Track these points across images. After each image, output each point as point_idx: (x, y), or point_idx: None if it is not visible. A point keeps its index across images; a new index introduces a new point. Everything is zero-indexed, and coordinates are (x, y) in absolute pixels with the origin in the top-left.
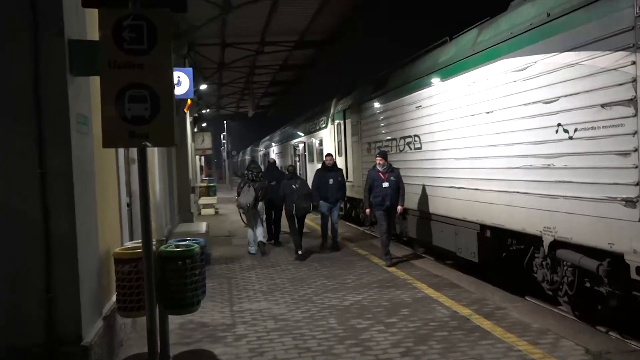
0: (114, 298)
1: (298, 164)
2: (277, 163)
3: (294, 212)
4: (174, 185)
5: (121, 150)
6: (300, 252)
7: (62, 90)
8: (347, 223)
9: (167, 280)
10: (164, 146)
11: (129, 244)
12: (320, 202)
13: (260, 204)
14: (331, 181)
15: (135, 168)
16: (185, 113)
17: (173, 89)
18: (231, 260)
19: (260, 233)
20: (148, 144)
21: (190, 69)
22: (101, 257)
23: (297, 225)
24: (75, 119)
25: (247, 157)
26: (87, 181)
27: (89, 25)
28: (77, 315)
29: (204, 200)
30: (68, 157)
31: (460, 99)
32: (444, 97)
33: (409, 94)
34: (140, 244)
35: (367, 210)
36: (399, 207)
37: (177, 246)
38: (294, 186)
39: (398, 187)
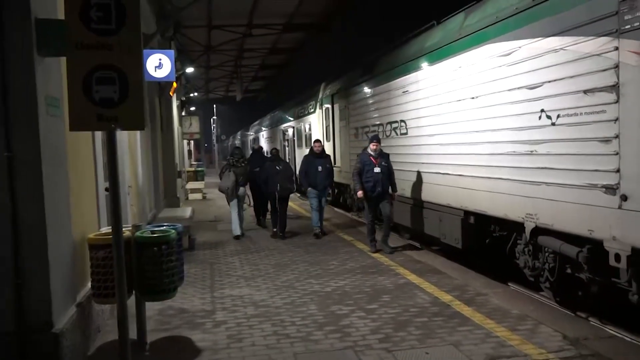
0: (89, 284)
1: (287, 149)
2: (267, 148)
3: (277, 192)
4: (159, 169)
5: (98, 134)
6: (275, 230)
7: (29, 72)
8: (335, 209)
9: (143, 266)
10: (134, 129)
11: (103, 230)
12: (309, 189)
13: (242, 190)
14: (320, 168)
15: None
16: (171, 96)
17: (143, 70)
18: (215, 245)
19: (236, 222)
20: (116, 127)
21: (172, 51)
22: (75, 243)
23: (279, 207)
24: (44, 101)
25: (237, 142)
26: (58, 165)
27: (59, 4)
28: (47, 302)
29: (191, 184)
30: (36, 140)
31: (446, 84)
32: (430, 82)
33: (395, 78)
34: None
35: (360, 193)
36: (395, 194)
37: (153, 232)
38: (277, 168)
39: (389, 173)
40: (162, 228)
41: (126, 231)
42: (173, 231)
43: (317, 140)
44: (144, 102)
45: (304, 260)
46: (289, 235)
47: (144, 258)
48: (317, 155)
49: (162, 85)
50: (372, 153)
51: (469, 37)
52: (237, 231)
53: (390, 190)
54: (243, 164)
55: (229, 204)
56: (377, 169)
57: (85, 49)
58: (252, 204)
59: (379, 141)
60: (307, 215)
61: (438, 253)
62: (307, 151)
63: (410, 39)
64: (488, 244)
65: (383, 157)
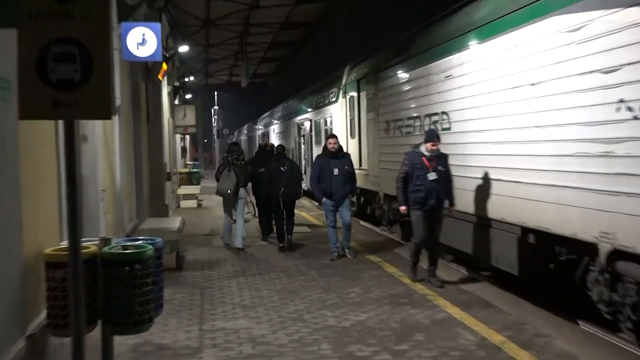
0: (45, 312)
1: (303, 146)
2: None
3: (281, 197)
4: (143, 170)
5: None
6: (282, 245)
7: None
8: (361, 222)
9: (110, 290)
10: (98, 119)
11: (64, 243)
12: (323, 199)
13: (242, 191)
14: (336, 171)
15: (85, 147)
16: (160, 81)
17: (111, 45)
18: (209, 265)
19: (240, 229)
20: (76, 115)
21: (158, 24)
22: (27, 259)
23: (285, 215)
24: None
25: (243, 137)
26: (6, 163)
27: None
28: None
29: (184, 189)
30: None
31: (499, 67)
32: (479, 64)
33: (436, 60)
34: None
35: (403, 209)
36: (453, 208)
37: (125, 247)
38: (282, 168)
39: (447, 181)
40: (137, 243)
41: (92, 246)
42: (150, 247)
43: (333, 136)
44: (111, 85)
45: (317, 286)
46: (299, 256)
47: (112, 280)
48: (332, 155)
49: (149, 67)
50: (426, 154)
51: (528, 7)
52: (227, 239)
53: (446, 203)
54: (242, 162)
55: (224, 210)
56: (432, 175)
57: (39, 18)
58: (256, 213)
59: (438, 139)
60: (325, 229)
61: (488, 280)
62: None
63: (455, 11)
64: (552, 270)
65: (441, 159)
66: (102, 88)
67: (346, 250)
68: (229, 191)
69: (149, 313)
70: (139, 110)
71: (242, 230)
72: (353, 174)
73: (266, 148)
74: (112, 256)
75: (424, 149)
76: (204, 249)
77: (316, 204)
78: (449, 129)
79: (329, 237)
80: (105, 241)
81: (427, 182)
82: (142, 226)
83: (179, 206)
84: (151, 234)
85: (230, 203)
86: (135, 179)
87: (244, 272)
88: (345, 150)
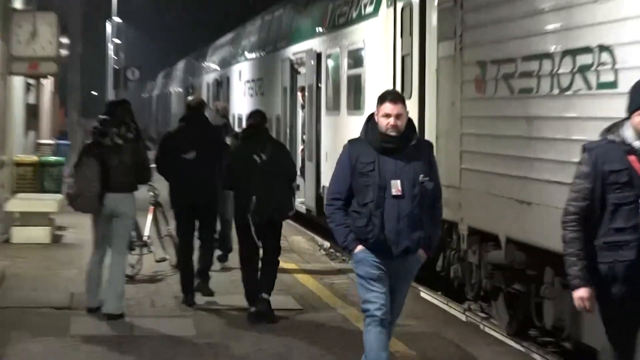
0: None
1: (302, 113)
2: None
3: (250, 217)
4: None
5: None
6: (253, 310)
7: None
8: (422, 292)
9: None
10: None
11: None
12: (358, 249)
13: (126, 200)
14: (397, 187)
15: None
16: None
17: None
18: None
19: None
20: None
21: None
22: None
23: (259, 252)
24: None
25: (175, 90)
26: None
27: None
28: None
29: (23, 202)
30: None
31: None
32: None
33: None
34: None
35: (583, 293)
36: None
37: None
38: (256, 156)
39: None
40: None
41: None
42: None
43: (393, 97)
44: None
45: None
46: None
47: None
48: (390, 145)
49: None
50: (637, 144)
51: None
52: (93, 301)
53: None
54: (128, 138)
55: (94, 244)
56: None
57: None
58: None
59: None
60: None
61: None
62: (351, 121)
63: None
64: None
65: None
66: None
67: None
68: (79, 198)
69: None
70: None
71: (121, 282)
72: (438, 197)
73: (199, 110)
74: None
75: (630, 131)
76: (48, 340)
77: (326, 244)
78: (612, 84)
79: (365, 344)
80: None
81: None
82: None
83: (7, 240)
84: None
85: (103, 226)
86: None
87: None
88: None
